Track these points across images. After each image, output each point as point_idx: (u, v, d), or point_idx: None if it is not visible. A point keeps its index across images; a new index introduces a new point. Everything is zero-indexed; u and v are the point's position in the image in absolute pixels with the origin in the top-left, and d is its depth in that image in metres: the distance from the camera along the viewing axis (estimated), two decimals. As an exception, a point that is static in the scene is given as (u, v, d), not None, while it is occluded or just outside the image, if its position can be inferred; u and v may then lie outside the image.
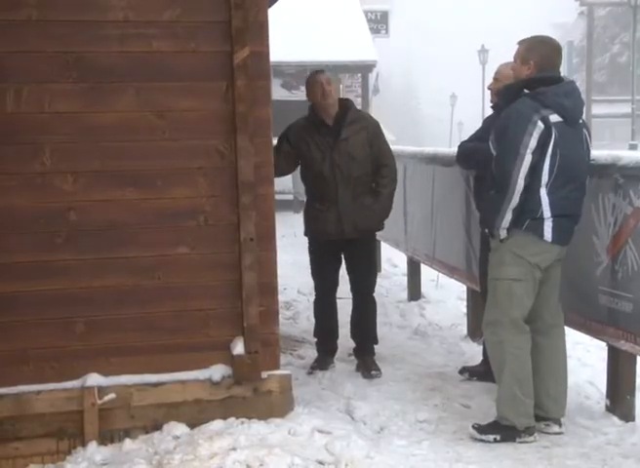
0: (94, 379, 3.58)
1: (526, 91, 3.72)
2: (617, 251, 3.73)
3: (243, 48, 3.57)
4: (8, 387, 3.52)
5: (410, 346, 5.38)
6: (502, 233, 3.67)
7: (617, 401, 3.92)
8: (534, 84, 3.68)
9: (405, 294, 6.80)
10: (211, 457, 3.28)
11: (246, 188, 3.64)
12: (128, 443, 3.56)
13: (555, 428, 3.80)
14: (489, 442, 3.70)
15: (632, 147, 23.58)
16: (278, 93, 15.81)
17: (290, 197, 13.95)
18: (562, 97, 3.64)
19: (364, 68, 17.26)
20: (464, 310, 5.71)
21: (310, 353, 5.19)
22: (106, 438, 3.59)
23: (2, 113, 3.44)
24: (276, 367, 3.82)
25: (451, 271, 5.68)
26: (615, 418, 3.88)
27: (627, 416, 3.88)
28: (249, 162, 3.63)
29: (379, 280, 5.83)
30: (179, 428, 3.60)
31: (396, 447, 3.60)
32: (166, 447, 3.46)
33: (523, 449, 3.60)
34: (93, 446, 3.53)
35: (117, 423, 3.62)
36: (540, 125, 3.56)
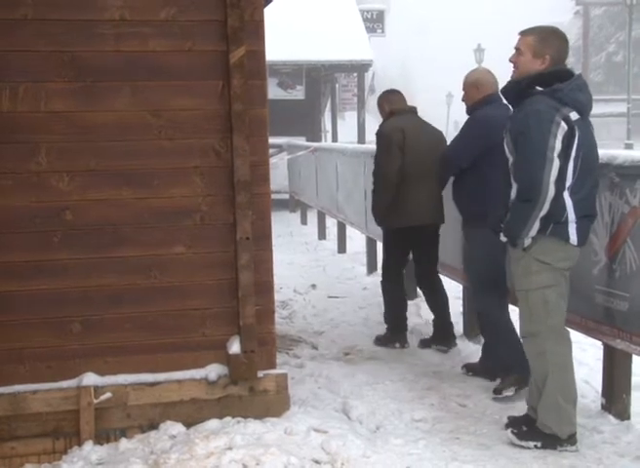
0: (90, 379, 3.58)
1: (538, 88, 3.52)
2: (615, 250, 3.73)
3: (239, 47, 3.56)
4: (4, 386, 3.51)
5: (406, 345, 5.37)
6: (527, 241, 3.51)
7: (612, 399, 3.93)
8: (547, 80, 3.48)
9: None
10: (207, 457, 3.28)
11: (242, 187, 3.64)
12: (124, 442, 3.56)
13: (568, 446, 3.60)
14: (528, 448, 3.57)
15: (628, 146, 23.62)
16: (274, 92, 15.80)
17: (286, 196, 13.96)
18: (577, 92, 3.46)
19: (360, 68, 17.24)
20: (461, 309, 5.71)
21: (306, 352, 5.20)
22: (102, 437, 3.59)
23: (-2, 112, 3.44)
24: (272, 366, 3.82)
25: (447, 270, 5.67)
26: (610, 417, 3.89)
27: (623, 415, 3.89)
28: (245, 161, 3.62)
29: (374, 280, 5.83)
30: (175, 427, 3.60)
31: (392, 446, 3.60)
32: (162, 446, 3.46)
33: (518, 448, 3.61)
34: (89, 445, 3.53)
35: (113, 422, 3.62)
36: (564, 126, 3.39)
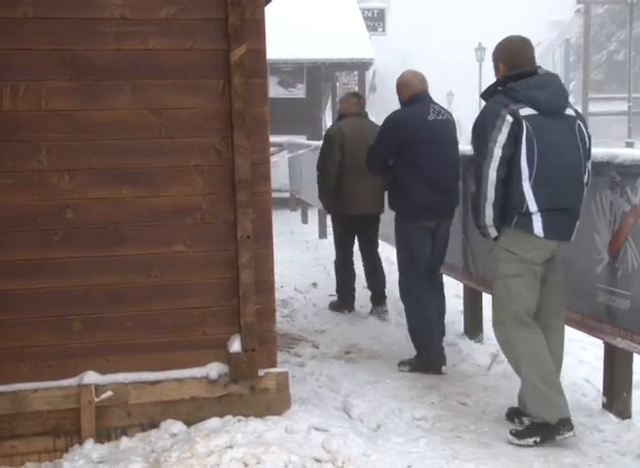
0: (91, 377, 3.58)
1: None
2: (617, 248, 3.73)
3: (240, 45, 3.56)
4: (5, 385, 3.51)
5: (407, 344, 5.37)
6: (492, 231, 3.68)
7: (613, 398, 3.93)
8: (506, 82, 3.71)
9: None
10: (208, 455, 3.28)
11: (243, 186, 3.64)
12: (125, 440, 3.56)
13: (565, 433, 3.62)
14: (530, 446, 3.58)
15: (629, 145, 23.61)
16: (275, 90, 15.80)
17: (287, 195, 13.96)
18: (533, 89, 3.61)
19: (361, 66, 17.23)
20: (461, 308, 5.71)
21: (307, 351, 5.20)
22: (103, 435, 3.59)
23: (-2, 111, 3.44)
24: (273, 364, 3.82)
25: (447, 269, 5.67)
26: (611, 416, 3.89)
27: (624, 414, 3.89)
28: (246, 160, 3.62)
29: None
30: (175, 426, 3.60)
31: (393, 444, 3.61)
32: (163, 444, 3.46)
33: (519, 446, 3.61)
34: (90, 443, 3.53)
35: (114, 421, 3.62)
36: (509, 119, 3.55)
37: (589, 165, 3.76)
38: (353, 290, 6.27)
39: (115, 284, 3.61)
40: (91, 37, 3.48)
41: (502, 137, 3.56)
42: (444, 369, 4.74)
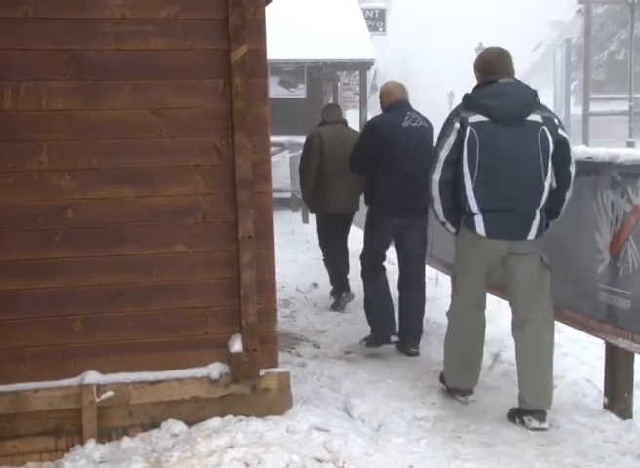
0: (92, 377, 3.58)
1: None
2: (618, 248, 3.73)
3: (240, 45, 3.56)
4: (5, 385, 3.52)
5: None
6: (449, 227, 4.03)
7: (614, 398, 3.93)
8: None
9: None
10: (209, 455, 3.28)
11: (244, 186, 3.63)
12: (126, 440, 3.56)
13: (534, 423, 3.80)
14: (442, 391, 4.23)
15: (630, 145, 23.58)
16: (276, 90, 15.82)
17: (288, 195, 13.95)
18: (486, 98, 3.85)
19: (362, 66, 17.23)
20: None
21: (308, 351, 5.20)
22: (104, 435, 3.59)
23: (-1, 111, 3.44)
24: (274, 364, 3.82)
25: (448, 268, 5.67)
26: (612, 416, 3.89)
27: (625, 414, 3.88)
28: (247, 159, 3.62)
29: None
30: (177, 426, 3.60)
31: (394, 444, 3.60)
32: (164, 444, 3.46)
33: (520, 447, 3.61)
34: (91, 443, 3.53)
35: (115, 421, 3.62)
36: (457, 125, 3.84)
37: (572, 168, 3.87)
38: (342, 280, 6.66)
39: (116, 284, 3.61)
40: (91, 37, 3.48)
41: (449, 143, 3.87)
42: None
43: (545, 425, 3.80)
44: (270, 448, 3.28)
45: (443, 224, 4.05)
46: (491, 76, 3.94)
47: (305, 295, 7.01)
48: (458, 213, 3.93)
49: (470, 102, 3.89)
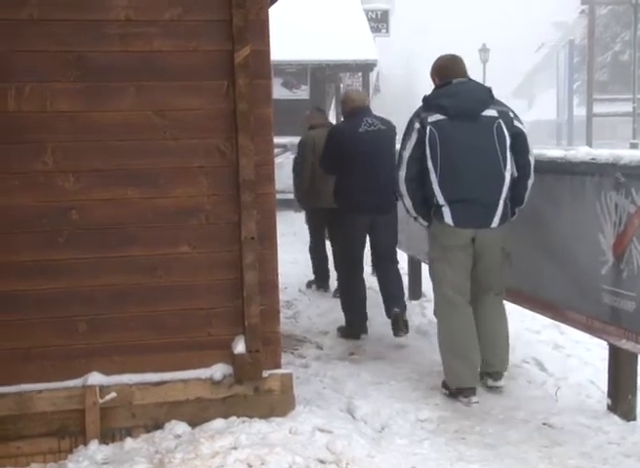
0: (95, 378, 3.58)
1: None
2: (622, 249, 3.73)
3: (244, 47, 3.57)
4: (10, 386, 3.52)
5: (411, 345, 5.37)
6: (421, 221, 4.30)
7: (618, 400, 3.92)
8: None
9: (406, 294, 6.78)
10: (212, 456, 3.28)
11: (247, 187, 3.64)
12: (129, 441, 3.56)
13: (490, 381, 4.32)
14: (445, 395, 4.28)
15: (633, 146, 23.56)
16: (279, 92, 15.80)
17: (290, 196, 13.91)
18: (442, 97, 4.16)
19: (365, 67, 17.22)
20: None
21: (311, 352, 5.20)
22: (108, 436, 3.60)
23: (4, 112, 3.44)
24: (277, 366, 3.82)
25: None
26: (616, 417, 3.88)
27: (628, 415, 3.88)
28: (250, 161, 3.63)
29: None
30: (180, 427, 3.61)
31: (397, 446, 3.60)
32: (167, 445, 3.46)
33: (524, 448, 3.61)
34: (94, 444, 3.54)
35: (118, 422, 3.62)
36: (417, 125, 4.13)
37: (531, 158, 4.19)
38: (327, 270, 7.30)
39: (120, 285, 3.62)
40: (96, 39, 3.49)
41: (411, 143, 4.15)
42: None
43: (501, 383, 4.32)
44: (273, 450, 3.28)
45: (415, 219, 4.31)
46: (445, 78, 4.25)
47: (308, 297, 7.02)
48: (427, 206, 4.20)
49: (428, 103, 4.19)
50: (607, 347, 4.01)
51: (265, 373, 3.75)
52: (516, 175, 4.16)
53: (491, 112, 4.12)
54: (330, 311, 6.42)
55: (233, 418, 3.67)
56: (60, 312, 3.57)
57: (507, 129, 4.11)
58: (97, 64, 3.51)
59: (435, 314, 4.46)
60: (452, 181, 4.08)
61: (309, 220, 7.59)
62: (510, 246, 4.31)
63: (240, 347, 3.69)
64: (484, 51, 35.56)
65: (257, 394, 3.75)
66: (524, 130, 4.21)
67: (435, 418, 3.98)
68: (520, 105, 54.95)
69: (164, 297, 3.67)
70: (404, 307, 5.50)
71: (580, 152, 4.06)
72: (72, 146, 3.52)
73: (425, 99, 4.24)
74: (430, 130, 4.08)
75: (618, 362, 3.90)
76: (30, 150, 3.49)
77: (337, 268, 5.93)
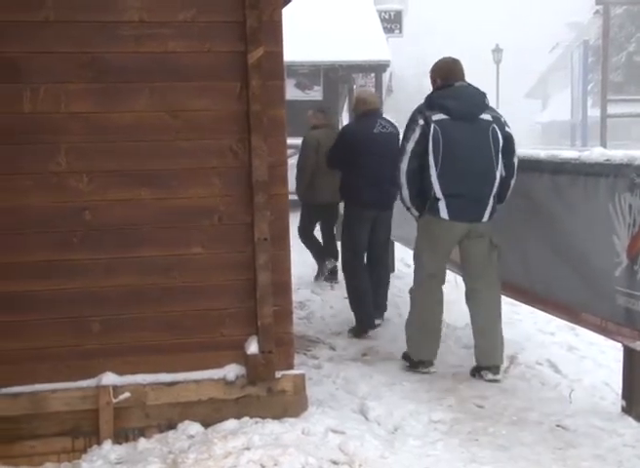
0: (109, 378, 3.60)
1: None
2: (636, 251, 3.70)
3: (257, 48, 3.57)
4: (24, 385, 3.54)
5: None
6: (413, 211, 4.60)
7: (632, 402, 3.90)
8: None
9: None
10: (225, 457, 3.29)
11: (260, 188, 3.64)
12: (143, 441, 3.58)
13: (489, 375, 4.50)
14: (405, 367, 4.70)
15: (648, 147, 23.39)
16: (292, 93, 15.80)
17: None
18: (445, 99, 4.44)
19: (377, 68, 17.19)
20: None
21: (324, 353, 5.20)
22: (121, 436, 3.61)
23: (19, 113, 3.46)
24: (290, 366, 3.82)
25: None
26: (630, 420, 3.86)
27: (643, 418, 3.86)
28: (263, 162, 3.63)
29: (393, 280, 5.86)
30: (193, 427, 3.62)
31: (410, 447, 3.59)
32: (180, 446, 3.47)
33: (537, 450, 3.59)
34: (108, 444, 3.55)
35: (132, 422, 3.64)
36: (421, 122, 4.40)
37: (516, 159, 4.52)
38: (323, 253, 7.75)
39: (133, 285, 3.63)
40: (110, 40, 3.51)
41: (414, 137, 4.41)
42: (462, 370, 4.75)
43: (499, 377, 4.51)
44: (286, 450, 3.29)
45: (409, 209, 4.62)
46: (448, 80, 4.53)
47: (321, 297, 7.01)
48: (421, 198, 4.50)
49: (432, 103, 4.47)
50: (621, 349, 3.98)
51: (278, 374, 3.76)
52: (504, 174, 4.49)
53: (486, 116, 4.46)
54: (343, 312, 6.41)
55: (246, 419, 3.67)
56: (73, 312, 3.59)
57: (500, 133, 4.44)
58: (111, 65, 3.53)
59: (410, 292, 4.77)
60: (450, 176, 4.38)
61: (303, 213, 7.90)
62: (497, 239, 4.59)
63: (253, 348, 3.70)
64: (497, 51, 35.46)
65: (269, 395, 3.76)
66: (512, 134, 4.54)
67: (448, 420, 3.97)
68: (534, 106, 54.72)
69: (177, 298, 3.68)
70: (383, 312, 6.00)
71: (595, 153, 4.03)
72: (86, 147, 3.54)
73: (429, 98, 4.52)
74: (434, 127, 4.36)
75: (632, 364, 3.88)
76: (44, 151, 3.51)
77: (343, 266, 6.06)
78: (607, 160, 3.87)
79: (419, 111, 4.47)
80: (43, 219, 3.53)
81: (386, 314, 6.21)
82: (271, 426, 3.58)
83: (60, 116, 3.50)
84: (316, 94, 16.91)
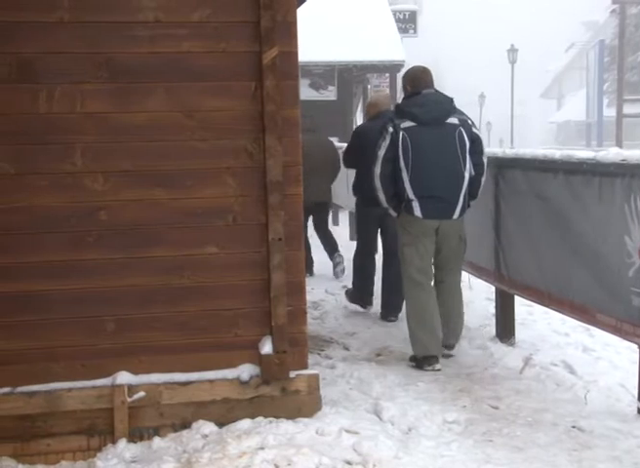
0: (123, 377, 3.61)
1: None
2: (649, 252, 3.68)
3: (272, 48, 3.58)
4: (40, 384, 3.56)
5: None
6: (392, 212, 4.95)
7: (648, 403, 3.87)
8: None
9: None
10: (239, 456, 3.29)
11: (274, 188, 3.65)
12: (157, 440, 3.59)
13: (445, 351, 5.00)
14: (412, 367, 4.88)
15: (664, 147, 23.23)
16: (306, 93, 15.80)
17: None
18: (412, 107, 4.81)
19: (392, 68, 17.16)
20: (493, 311, 5.67)
21: (338, 353, 5.20)
22: (136, 435, 3.63)
23: (35, 113, 3.48)
24: (304, 366, 3.82)
25: (479, 272, 5.64)
26: (646, 421, 3.83)
27: (659, 419, 3.83)
28: (277, 162, 3.63)
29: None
30: (207, 427, 3.62)
31: (424, 447, 3.58)
32: (195, 445, 3.48)
33: (553, 451, 3.57)
34: (123, 443, 3.56)
35: (146, 421, 3.65)
36: (390, 129, 4.76)
37: (485, 158, 4.88)
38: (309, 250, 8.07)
39: (148, 285, 3.64)
40: (125, 40, 3.52)
41: (385, 144, 4.77)
42: (476, 370, 4.74)
43: (453, 352, 5.06)
44: (300, 450, 3.29)
45: (387, 210, 4.99)
46: (416, 88, 4.88)
47: (335, 298, 7.01)
48: (397, 199, 4.84)
49: (401, 111, 4.87)
50: (637, 350, 3.96)
51: (292, 374, 3.76)
52: (473, 173, 4.83)
53: (453, 120, 4.79)
54: (357, 312, 6.42)
55: (260, 419, 3.68)
56: (88, 312, 3.61)
57: (467, 135, 4.77)
58: (126, 66, 3.54)
59: (404, 293, 5.09)
60: (420, 179, 4.73)
61: None
62: (465, 233, 5.03)
63: (267, 348, 3.70)
64: (512, 51, 35.33)
65: (283, 394, 3.76)
66: (480, 135, 4.91)
67: (463, 420, 3.95)
68: (549, 106, 54.48)
69: (192, 298, 3.69)
70: (399, 310, 6.08)
71: (611, 153, 4.01)
72: (101, 147, 3.56)
73: (398, 107, 4.98)
74: (403, 135, 4.72)
75: (648, 365, 3.85)
76: (60, 151, 3.52)
77: (355, 255, 6.57)
78: (623, 160, 3.84)
79: (389, 119, 4.86)
80: (58, 219, 3.55)
81: (401, 314, 6.21)
82: (285, 426, 3.58)
83: (76, 116, 3.52)
84: (330, 94, 16.90)
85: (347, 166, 6.68)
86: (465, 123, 4.83)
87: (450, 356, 5.03)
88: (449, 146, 4.75)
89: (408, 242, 4.92)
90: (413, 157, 4.71)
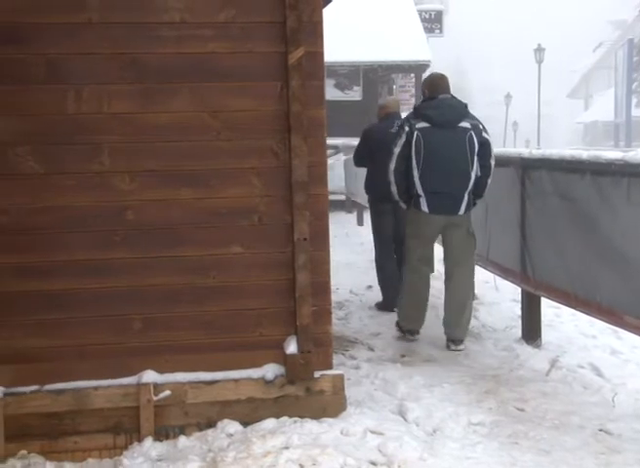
0: (149, 376, 3.63)
1: None
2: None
3: (297, 48, 3.58)
4: (67, 382, 3.59)
5: (466, 347, 5.32)
6: (402, 204, 5.35)
7: (677, 407, 3.83)
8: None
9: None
10: (264, 455, 3.29)
11: (300, 188, 3.65)
12: (183, 439, 3.60)
13: (452, 346, 5.23)
14: (398, 334, 5.54)
15: (694, 147, 22.94)
16: (331, 93, 15.83)
17: (342, 197, 13.95)
18: (428, 109, 5.16)
19: (417, 68, 17.14)
20: (519, 312, 5.62)
21: (363, 353, 5.19)
22: (162, 434, 3.65)
23: (63, 114, 3.52)
24: (329, 366, 3.82)
25: (505, 273, 5.60)
26: (676, 424, 3.78)
27: (689, 423, 3.79)
28: (303, 162, 3.64)
29: (432, 282, 5.83)
30: (232, 426, 3.63)
31: (450, 449, 3.56)
32: (220, 444, 3.49)
33: (580, 455, 3.53)
34: (149, 441, 3.59)
35: (172, 420, 3.67)
36: (407, 129, 5.14)
37: (492, 161, 5.18)
38: None
39: (174, 284, 3.66)
40: (151, 41, 3.54)
41: (401, 142, 5.15)
42: (502, 372, 4.70)
43: (462, 347, 5.22)
44: (325, 450, 3.28)
45: (398, 202, 5.39)
46: (434, 93, 5.24)
47: (360, 298, 7.00)
48: (407, 194, 5.22)
49: (417, 113, 5.22)
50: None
51: (317, 374, 3.76)
52: (479, 174, 5.13)
53: (465, 124, 5.11)
54: (381, 313, 6.41)
55: (285, 418, 3.68)
56: (115, 311, 3.63)
57: (477, 138, 5.09)
58: (152, 66, 3.56)
59: (402, 274, 5.49)
60: (429, 176, 5.07)
61: None
62: (473, 229, 5.32)
63: (292, 348, 3.70)
64: (539, 51, 35.07)
65: (308, 394, 3.76)
66: (489, 139, 5.19)
67: (488, 422, 3.93)
68: (576, 106, 53.98)
69: (217, 297, 3.70)
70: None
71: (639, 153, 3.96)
72: (128, 147, 3.58)
73: (415, 109, 5.32)
74: (417, 134, 5.07)
75: (677, 368, 3.81)
76: (87, 151, 3.55)
77: (375, 255, 6.74)
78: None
79: (406, 120, 5.24)
80: (85, 219, 3.58)
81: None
82: (310, 426, 3.58)
83: (103, 117, 3.55)
84: (355, 94, 16.92)
85: (358, 164, 6.91)
86: (477, 127, 5.15)
87: (458, 351, 5.18)
88: (459, 148, 5.06)
89: (413, 234, 5.31)
90: (424, 155, 5.05)
